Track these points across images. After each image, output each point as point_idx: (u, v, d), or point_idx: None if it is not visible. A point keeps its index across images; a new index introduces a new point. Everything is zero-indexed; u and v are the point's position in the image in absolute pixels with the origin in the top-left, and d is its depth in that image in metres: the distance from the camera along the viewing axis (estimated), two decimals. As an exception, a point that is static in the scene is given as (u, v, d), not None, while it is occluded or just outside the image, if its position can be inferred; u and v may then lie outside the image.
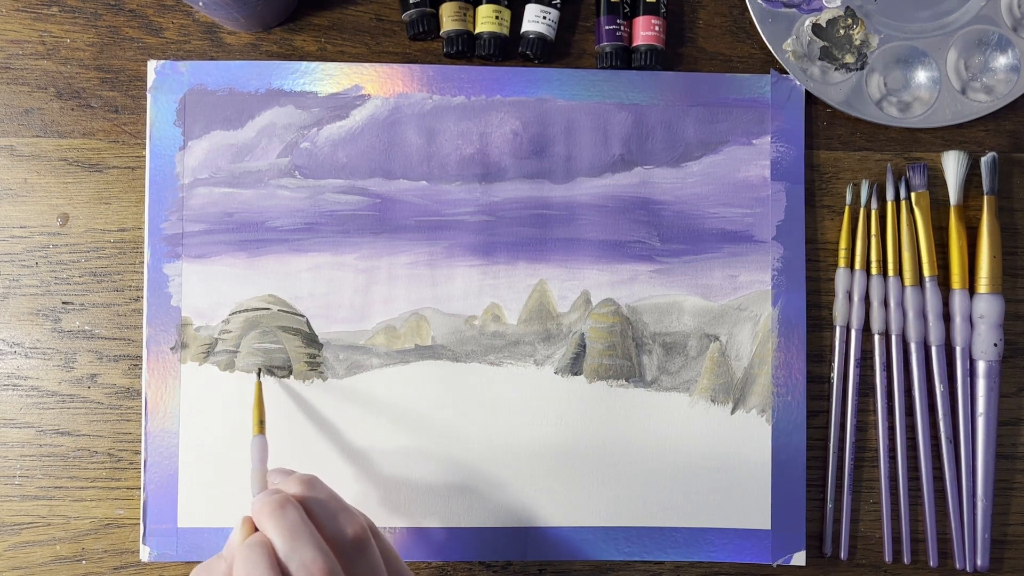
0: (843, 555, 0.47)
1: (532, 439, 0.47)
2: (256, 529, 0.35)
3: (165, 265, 0.47)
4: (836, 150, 0.49)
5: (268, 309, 0.47)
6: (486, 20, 0.48)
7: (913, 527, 0.47)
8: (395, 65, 0.48)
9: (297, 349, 0.47)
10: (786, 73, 0.48)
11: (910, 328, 0.47)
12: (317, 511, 0.35)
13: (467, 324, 0.47)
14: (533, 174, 0.48)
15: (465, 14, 0.48)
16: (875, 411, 0.48)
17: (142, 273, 0.47)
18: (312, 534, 0.33)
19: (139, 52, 0.48)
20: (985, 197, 0.48)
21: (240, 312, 0.47)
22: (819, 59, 0.48)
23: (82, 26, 0.48)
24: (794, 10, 0.48)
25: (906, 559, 0.47)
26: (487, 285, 0.47)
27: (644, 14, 0.48)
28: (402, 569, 0.38)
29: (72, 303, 0.47)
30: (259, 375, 0.46)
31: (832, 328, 0.48)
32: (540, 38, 0.48)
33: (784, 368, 0.47)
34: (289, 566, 0.32)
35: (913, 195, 0.48)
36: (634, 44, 0.48)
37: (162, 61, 0.47)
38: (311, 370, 0.47)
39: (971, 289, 0.47)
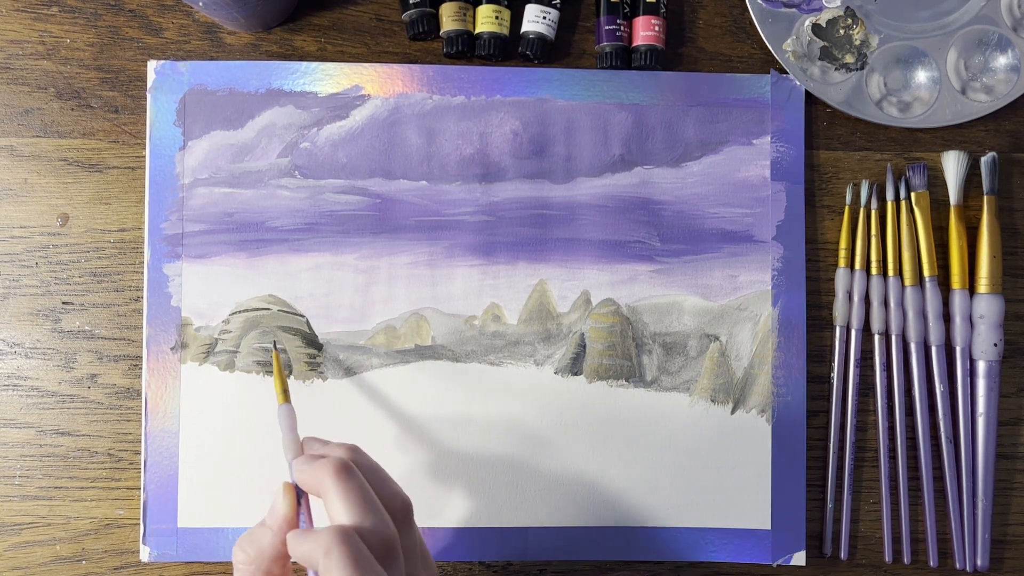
0: (843, 555, 0.47)
1: (532, 439, 0.47)
2: (297, 496, 0.35)
3: (165, 265, 0.47)
4: (836, 150, 0.49)
5: (268, 309, 0.47)
6: (486, 20, 0.48)
7: (913, 527, 0.47)
8: (395, 65, 0.48)
9: (297, 349, 0.47)
10: (786, 73, 0.48)
11: (910, 328, 0.47)
12: (369, 478, 0.34)
13: (467, 324, 0.47)
14: (533, 174, 0.48)
15: (465, 14, 0.48)
16: (875, 411, 0.48)
17: (142, 273, 0.47)
18: (375, 500, 0.33)
19: (139, 52, 0.48)
20: (985, 197, 0.48)
21: (240, 312, 0.47)
22: (819, 59, 0.48)
23: (82, 26, 0.48)
24: (794, 10, 0.48)
25: (906, 559, 0.47)
26: (487, 285, 0.47)
27: (644, 14, 0.48)
28: (425, 547, 0.38)
29: (72, 303, 0.47)
30: (275, 346, 0.45)
31: (832, 328, 0.48)
32: (540, 38, 0.48)
33: (784, 368, 0.47)
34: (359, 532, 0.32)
35: (913, 195, 0.48)
36: (634, 44, 0.48)
37: (162, 61, 0.47)
38: (311, 370, 0.47)
39: (971, 289, 0.47)
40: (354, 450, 0.36)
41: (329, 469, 0.33)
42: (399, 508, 0.35)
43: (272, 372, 0.46)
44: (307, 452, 0.37)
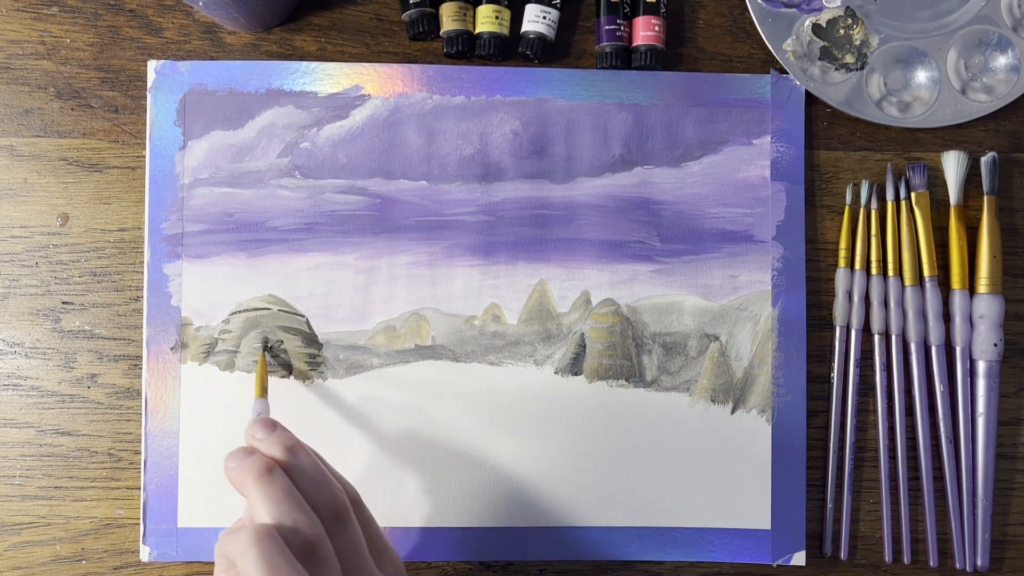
0: (843, 555, 0.47)
1: (532, 439, 0.47)
2: None
3: (165, 265, 0.47)
4: (836, 150, 0.49)
5: (268, 309, 0.47)
6: (486, 20, 0.48)
7: (913, 527, 0.47)
8: (395, 65, 0.48)
9: (297, 349, 0.47)
10: (786, 73, 0.48)
11: (910, 328, 0.47)
12: (299, 481, 0.34)
13: (467, 324, 0.47)
14: (533, 174, 0.48)
15: (465, 14, 0.48)
16: (875, 411, 0.48)
17: (142, 273, 0.47)
18: (299, 501, 0.33)
19: (139, 52, 0.48)
20: (985, 197, 0.48)
21: (240, 312, 0.47)
22: (819, 59, 0.48)
23: (82, 26, 0.48)
24: (794, 10, 0.48)
25: (906, 559, 0.47)
26: (487, 285, 0.47)
27: (644, 14, 0.48)
28: (383, 543, 0.37)
29: (72, 303, 0.47)
30: (265, 347, 0.46)
31: (832, 328, 0.48)
32: (540, 38, 0.48)
33: (784, 368, 0.47)
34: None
35: (913, 195, 0.48)
36: (634, 44, 0.48)
37: (162, 61, 0.47)
38: (311, 370, 0.47)
39: (971, 289, 0.47)
40: (291, 451, 0.35)
41: (252, 472, 0.33)
42: (331, 509, 0.34)
43: (256, 370, 0.46)
44: (250, 437, 0.36)
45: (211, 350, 0.46)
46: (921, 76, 0.49)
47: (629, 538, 0.47)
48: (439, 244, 0.47)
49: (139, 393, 0.47)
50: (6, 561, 0.46)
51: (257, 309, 0.47)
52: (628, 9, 0.48)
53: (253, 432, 0.36)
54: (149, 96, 0.47)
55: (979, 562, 0.47)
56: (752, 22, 0.49)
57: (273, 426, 0.36)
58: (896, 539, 0.47)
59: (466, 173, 0.48)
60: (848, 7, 0.48)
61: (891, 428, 0.48)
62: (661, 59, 0.48)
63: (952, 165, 0.48)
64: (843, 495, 0.47)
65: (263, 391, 0.42)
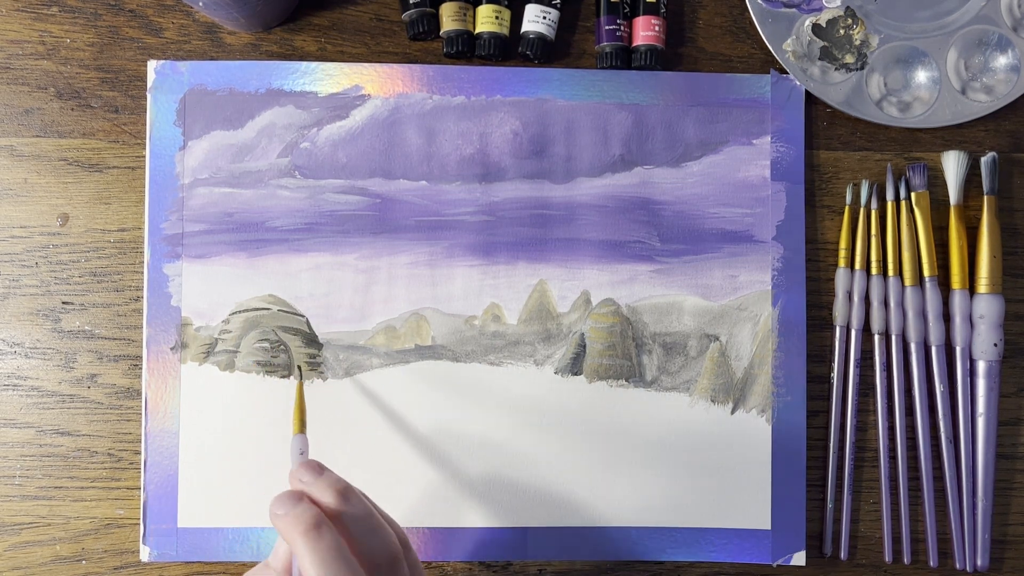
0: (843, 555, 0.47)
1: (532, 439, 0.47)
2: None
3: (165, 265, 0.47)
4: (836, 150, 0.49)
5: (268, 309, 0.47)
6: (486, 20, 0.48)
7: (913, 527, 0.47)
8: (395, 65, 0.48)
9: (297, 349, 0.47)
10: (786, 73, 0.48)
11: (910, 328, 0.47)
12: (352, 528, 0.33)
13: (467, 324, 0.47)
14: (533, 174, 0.48)
15: (465, 14, 0.48)
16: (875, 411, 0.48)
17: (142, 273, 0.47)
18: (348, 560, 0.32)
19: (139, 52, 0.48)
20: (985, 197, 0.48)
21: (240, 312, 0.47)
22: (819, 59, 0.48)
23: (82, 26, 0.48)
24: (794, 10, 0.48)
25: (906, 559, 0.47)
26: (487, 285, 0.47)
27: (644, 14, 0.48)
28: None
29: (72, 303, 0.47)
30: (300, 376, 0.45)
31: (832, 328, 0.48)
32: (540, 38, 0.48)
33: (784, 368, 0.47)
34: None
35: (913, 195, 0.48)
36: (634, 44, 0.48)
37: (162, 61, 0.47)
38: (311, 370, 0.47)
39: (971, 289, 0.47)
40: (344, 496, 0.34)
41: (300, 526, 0.32)
42: (386, 557, 0.33)
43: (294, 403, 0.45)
44: (296, 480, 0.35)
45: (211, 350, 0.46)
46: (921, 76, 0.49)
47: (629, 538, 0.47)
48: (439, 244, 0.47)
49: (139, 393, 0.47)
50: (6, 561, 0.46)
51: (257, 309, 0.47)
52: (628, 9, 0.48)
53: (299, 475, 0.35)
54: (149, 96, 0.47)
55: (979, 562, 0.47)
56: (752, 22, 0.49)
57: (320, 469, 0.35)
58: (896, 539, 0.47)
59: (466, 173, 0.48)
60: (848, 7, 0.48)
61: (891, 428, 0.48)
62: (661, 59, 0.48)
63: (952, 165, 0.48)
64: (843, 495, 0.47)
65: (302, 426, 0.40)
